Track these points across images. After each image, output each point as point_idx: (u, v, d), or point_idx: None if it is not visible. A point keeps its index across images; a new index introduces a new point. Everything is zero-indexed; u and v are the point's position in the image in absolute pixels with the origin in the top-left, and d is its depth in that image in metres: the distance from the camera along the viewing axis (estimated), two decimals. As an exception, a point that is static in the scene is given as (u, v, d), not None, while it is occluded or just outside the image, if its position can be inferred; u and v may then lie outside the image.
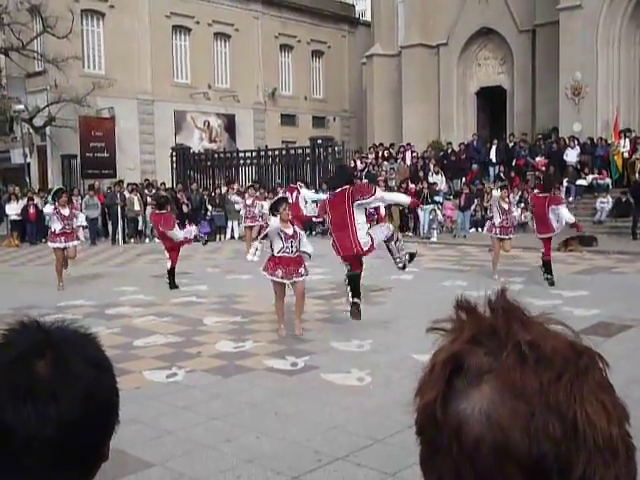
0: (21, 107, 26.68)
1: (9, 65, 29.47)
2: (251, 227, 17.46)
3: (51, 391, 0.99)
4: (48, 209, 13.40)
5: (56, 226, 13.05)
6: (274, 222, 8.65)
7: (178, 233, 12.88)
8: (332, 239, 9.09)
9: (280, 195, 9.81)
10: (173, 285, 12.82)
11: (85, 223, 15.58)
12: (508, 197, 13.56)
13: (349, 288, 8.88)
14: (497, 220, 12.92)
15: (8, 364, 1.01)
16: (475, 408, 0.70)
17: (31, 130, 28.59)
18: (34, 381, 0.99)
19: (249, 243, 17.17)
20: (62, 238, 13.03)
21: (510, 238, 13.07)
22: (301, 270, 8.76)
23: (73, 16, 27.93)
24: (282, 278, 8.64)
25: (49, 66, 27.99)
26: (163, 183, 25.89)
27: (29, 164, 27.49)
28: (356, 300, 8.73)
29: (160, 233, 13.20)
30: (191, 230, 13.49)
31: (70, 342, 1.06)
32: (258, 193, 23.42)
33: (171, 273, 12.90)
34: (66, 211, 13.23)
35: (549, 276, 12.05)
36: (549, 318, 0.77)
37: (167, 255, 12.99)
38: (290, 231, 8.73)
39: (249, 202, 17.70)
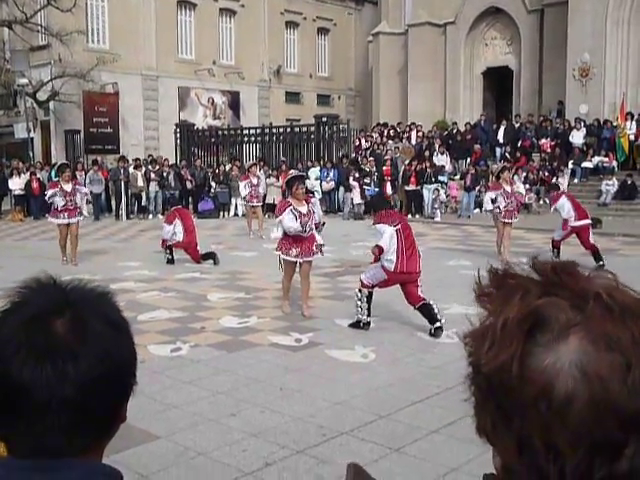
0: (25, 81, 26.55)
1: (13, 38, 29.31)
2: (255, 206, 17.36)
3: (70, 350, 0.97)
4: (50, 192, 13.22)
5: (59, 202, 12.95)
6: (287, 220, 8.45)
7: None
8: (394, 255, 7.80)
9: (295, 173, 9.61)
10: (171, 261, 12.85)
11: (88, 192, 15.41)
12: (512, 178, 13.48)
13: (366, 305, 7.96)
14: (502, 204, 12.83)
15: (25, 322, 0.98)
16: (565, 362, 0.67)
17: (35, 104, 28.48)
18: (52, 339, 0.97)
19: (255, 222, 17.15)
20: (65, 214, 12.93)
21: (512, 222, 12.97)
22: (314, 249, 8.70)
23: (77, -11, 27.69)
24: (296, 257, 8.59)
25: (53, 40, 27.80)
26: (167, 159, 25.78)
27: (32, 139, 27.41)
28: (370, 320, 8.02)
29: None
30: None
31: (88, 301, 1.04)
32: (262, 171, 23.41)
33: (170, 248, 12.91)
34: (69, 187, 13.06)
35: (602, 262, 11.68)
36: (600, 272, 0.74)
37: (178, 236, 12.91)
38: (304, 209, 8.57)
39: (255, 181, 17.57)
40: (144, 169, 23.66)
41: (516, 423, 0.70)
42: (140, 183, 22.87)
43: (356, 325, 7.98)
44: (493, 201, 13.10)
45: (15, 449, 0.98)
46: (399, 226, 7.84)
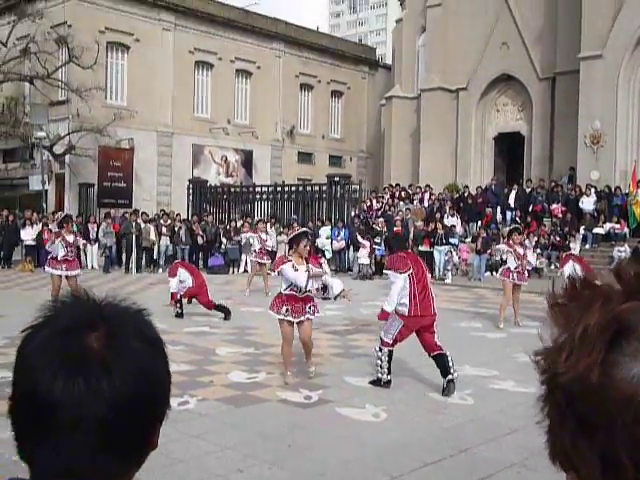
0: (43, 134, 26.99)
1: (33, 93, 29.94)
2: (263, 263, 17.31)
3: (104, 365, 0.91)
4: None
5: (59, 252, 12.85)
6: (287, 270, 7.93)
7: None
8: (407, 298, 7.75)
9: (301, 229, 9.34)
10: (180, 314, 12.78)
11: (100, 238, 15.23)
12: (523, 242, 13.40)
13: (387, 364, 7.80)
14: (512, 265, 12.69)
15: (58, 335, 0.93)
16: None
17: (51, 157, 28.89)
18: (86, 354, 0.91)
19: (255, 278, 17.07)
20: (63, 265, 12.80)
21: (521, 285, 12.81)
22: (308, 309, 8.01)
23: (99, 48, 28.47)
24: (285, 315, 7.93)
25: (72, 95, 28.40)
26: (179, 214, 25.95)
27: (47, 191, 27.70)
28: (390, 378, 7.83)
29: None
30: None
31: (123, 316, 0.99)
32: (273, 228, 23.50)
33: (180, 302, 12.87)
34: (71, 238, 12.99)
35: None
36: None
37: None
38: (302, 270, 7.96)
39: (264, 237, 17.62)
40: (155, 223, 23.81)
41: (600, 438, 0.63)
42: (153, 237, 22.97)
43: (377, 383, 7.85)
44: (502, 260, 13.06)
45: (37, 470, 0.92)
46: (411, 271, 7.76)
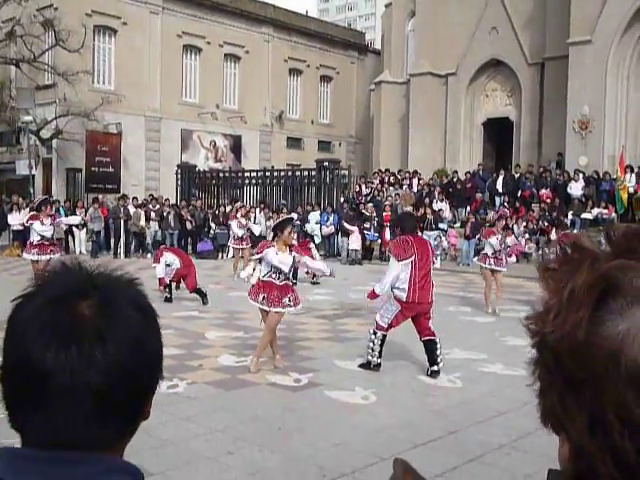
0: (29, 118, 26.71)
1: (19, 76, 29.62)
2: (243, 249, 17.31)
3: (97, 332, 0.90)
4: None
5: (34, 237, 12.74)
6: (271, 255, 7.69)
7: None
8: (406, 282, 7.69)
9: (286, 216, 9.18)
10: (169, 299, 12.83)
11: (77, 222, 15.03)
12: (511, 229, 13.25)
13: (378, 348, 7.79)
14: (489, 251, 12.62)
15: (49, 303, 0.91)
16: None
17: (38, 142, 28.63)
18: (79, 321, 0.90)
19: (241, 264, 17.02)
20: (36, 250, 12.67)
21: (501, 270, 12.63)
22: (285, 300, 7.73)
23: (86, 31, 28.12)
24: (261, 303, 7.75)
25: (59, 79, 28.10)
26: (167, 199, 25.85)
27: (34, 176, 27.49)
28: (380, 361, 7.85)
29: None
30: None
31: (115, 285, 0.98)
32: (262, 213, 23.49)
33: (169, 286, 12.95)
34: (48, 221, 12.86)
35: None
36: None
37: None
38: (285, 257, 7.73)
39: (243, 221, 17.66)
40: (145, 208, 23.72)
41: (587, 396, 0.63)
42: (142, 222, 22.89)
43: (366, 366, 7.83)
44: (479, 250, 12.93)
45: (30, 439, 0.90)
46: (413, 257, 7.65)
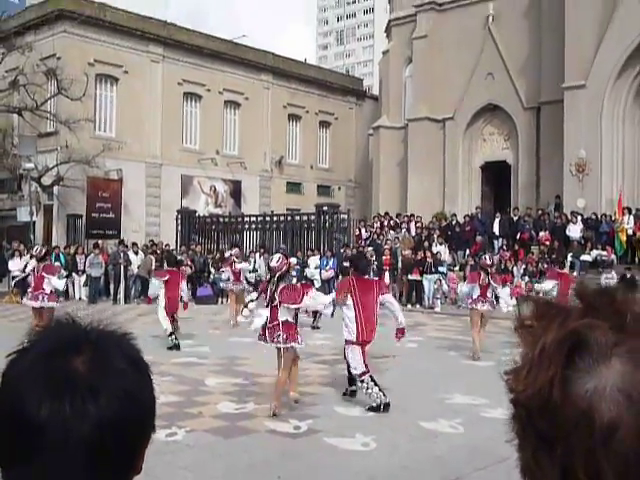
0: (31, 166, 26.96)
1: (22, 124, 29.97)
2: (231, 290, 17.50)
3: (89, 386, 0.91)
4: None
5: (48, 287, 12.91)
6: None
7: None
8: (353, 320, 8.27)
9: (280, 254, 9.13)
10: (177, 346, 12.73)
11: (60, 287, 15.13)
12: (510, 273, 13.14)
13: (376, 389, 8.04)
14: (475, 293, 12.52)
15: (44, 357, 0.93)
16: (607, 386, 0.63)
17: (39, 189, 28.83)
18: (72, 375, 0.92)
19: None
20: (37, 296, 12.89)
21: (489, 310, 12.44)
22: (282, 336, 7.88)
23: (88, 79, 28.56)
24: (265, 340, 8.01)
25: (61, 127, 28.42)
26: (167, 244, 25.93)
27: (34, 222, 27.61)
28: (388, 400, 8.08)
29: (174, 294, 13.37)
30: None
31: (109, 339, 1.00)
32: (262, 258, 23.54)
33: (173, 333, 12.97)
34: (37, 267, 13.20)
35: None
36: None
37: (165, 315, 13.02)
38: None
39: (238, 266, 17.79)
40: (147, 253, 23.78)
41: (559, 453, 0.65)
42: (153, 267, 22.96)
43: (377, 409, 7.95)
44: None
45: None
46: (353, 299, 8.18)
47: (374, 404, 7.95)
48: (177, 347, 12.65)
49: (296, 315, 8.17)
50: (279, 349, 7.96)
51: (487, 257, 13.00)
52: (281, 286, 8.03)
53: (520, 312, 0.78)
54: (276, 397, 7.81)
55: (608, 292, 0.71)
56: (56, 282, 13.59)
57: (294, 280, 17.58)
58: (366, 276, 9.09)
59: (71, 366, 0.92)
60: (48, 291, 12.88)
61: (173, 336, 12.85)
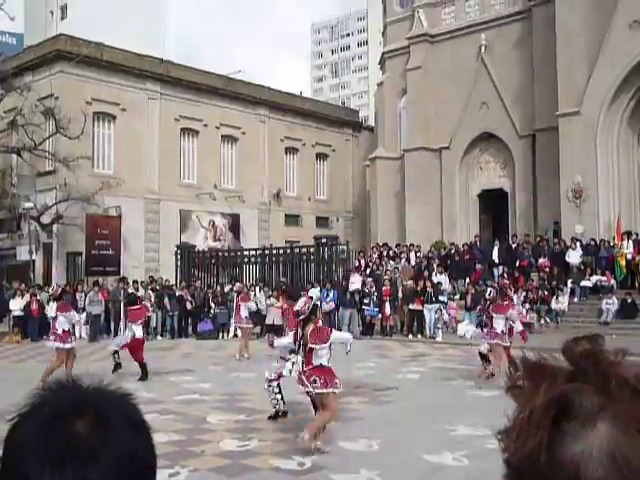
0: (30, 205, 27.06)
1: (20, 164, 30.13)
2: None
3: (91, 451, 0.92)
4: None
5: (64, 326, 13.01)
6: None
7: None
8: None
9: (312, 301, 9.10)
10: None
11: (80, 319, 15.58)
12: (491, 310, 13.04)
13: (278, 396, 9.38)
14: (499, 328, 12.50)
15: (45, 423, 0.95)
16: (593, 449, 0.64)
17: (38, 227, 28.90)
18: (73, 442, 0.93)
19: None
20: (65, 338, 13.01)
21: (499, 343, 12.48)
22: (319, 381, 7.87)
23: (85, 118, 28.78)
24: (303, 384, 8.04)
25: (59, 165, 28.58)
26: (167, 280, 25.92)
27: (34, 261, 27.62)
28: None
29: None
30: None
31: (109, 402, 1.01)
32: (262, 292, 23.53)
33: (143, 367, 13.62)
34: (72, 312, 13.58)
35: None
36: (623, 352, 0.73)
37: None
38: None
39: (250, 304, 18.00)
40: (143, 291, 23.72)
41: None
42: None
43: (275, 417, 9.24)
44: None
45: None
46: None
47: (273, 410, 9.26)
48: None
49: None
50: (314, 394, 7.97)
51: (488, 291, 12.99)
52: (309, 329, 8.11)
53: (510, 373, 0.79)
54: (317, 433, 7.81)
55: (594, 354, 0.73)
56: (74, 316, 13.84)
57: (325, 305, 17.95)
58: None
59: (72, 431, 0.93)
60: (60, 331, 12.93)
61: (117, 355, 13.53)
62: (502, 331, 12.42)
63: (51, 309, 13.42)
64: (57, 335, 12.90)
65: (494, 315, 12.46)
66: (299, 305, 8.48)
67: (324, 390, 7.86)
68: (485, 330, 12.51)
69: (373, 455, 7.59)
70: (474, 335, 12.96)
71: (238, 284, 19.29)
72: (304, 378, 7.97)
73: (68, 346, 12.90)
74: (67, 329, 13.04)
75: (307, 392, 8.10)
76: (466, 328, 13.22)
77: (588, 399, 0.67)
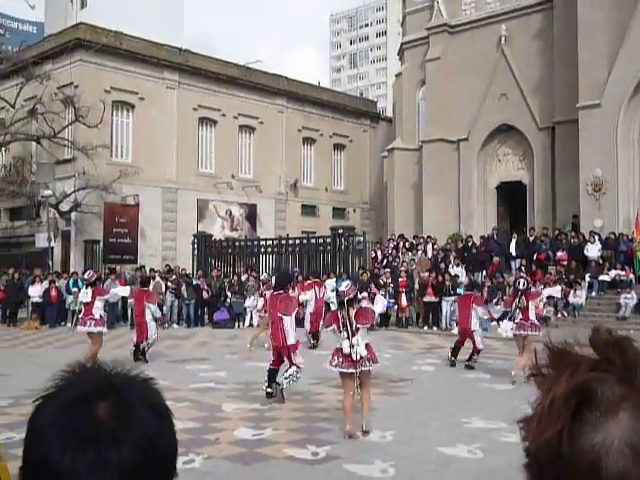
0: (49, 192, 27.27)
1: (40, 152, 30.35)
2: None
3: (113, 435, 0.93)
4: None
5: (100, 312, 13.47)
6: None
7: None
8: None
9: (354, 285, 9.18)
10: (136, 357, 13.93)
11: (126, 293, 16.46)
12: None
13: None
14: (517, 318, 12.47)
15: (68, 406, 0.96)
16: (614, 440, 0.64)
17: (57, 215, 29.12)
18: (95, 424, 0.94)
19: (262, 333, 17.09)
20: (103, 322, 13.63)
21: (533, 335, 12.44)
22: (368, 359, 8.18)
23: (104, 107, 28.94)
24: (346, 367, 8.11)
25: (78, 154, 28.76)
26: (184, 269, 26.05)
27: (52, 248, 27.86)
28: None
29: (138, 309, 14.57)
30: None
31: (132, 386, 1.02)
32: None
33: (137, 347, 14.19)
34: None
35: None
36: None
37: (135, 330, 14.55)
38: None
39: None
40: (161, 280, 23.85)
41: None
42: (162, 292, 23.06)
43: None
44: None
45: None
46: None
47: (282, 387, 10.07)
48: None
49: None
50: (353, 373, 8.12)
51: (521, 282, 12.84)
52: (353, 310, 8.22)
53: (536, 359, 0.79)
54: (366, 415, 8.15)
55: (621, 343, 0.72)
56: (120, 290, 14.52)
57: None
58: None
59: (94, 414, 0.94)
60: (97, 316, 13.18)
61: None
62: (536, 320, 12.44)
63: (86, 294, 13.51)
64: (95, 320, 13.15)
65: (530, 303, 12.41)
66: (343, 287, 8.57)
67: (374, 366, 8.32)
68: (517, 321, 12.38)
69: (387, 446, 7.60)
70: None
71: (265, 274, 19.34)
72: (351, 360, 8.11)
73: (106, 331, 13.69)
74: (102, 315, 13.47)
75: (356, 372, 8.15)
76: (506, 326, 13.17)
77: (610, 389, 0.67)
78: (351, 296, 8.33)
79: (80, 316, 13.69)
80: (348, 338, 8.11)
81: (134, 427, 0.95)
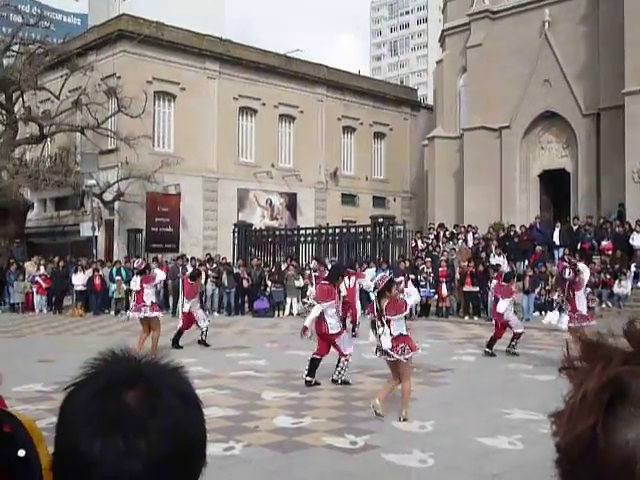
0: (93, 182, 27.72)
1: (84, 142, 30.87)
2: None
3: (141, 423, 0.94)
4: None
5: (151, 298, 13.69)
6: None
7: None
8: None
9: (388, 276, 9.19)
10: (177, 345, 14.36)
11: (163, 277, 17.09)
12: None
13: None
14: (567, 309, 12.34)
15: (98, 393, 0.96)
16: None
17: (100, 204, 29.62)
18: (124, 411, 0.94)
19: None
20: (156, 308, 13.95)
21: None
22: (405, 349, 8.30)
23: (146, 97, 29.27)
24: (388, 355, 8.31)
25: (121, 144, 29.18)
26: (224, 258, 26.26)
27: (96, 237, 28.35)
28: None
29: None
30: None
31: (161, 374, 1.02)
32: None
33: (180, 333, 14.64)
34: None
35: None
36: None
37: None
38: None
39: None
40: (204, 268, 24.06)
41: None
42: (202, 281, 23.24)
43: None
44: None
45: None
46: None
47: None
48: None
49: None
50: (392, 361, 8.33)
51: (566, 272, 12.66)
52: (384, 302, 8.32)
53: (567, 352, 0.77)
54: (404, 404, 8.29)
55: (634, 343, 0.70)
56: (160, 274, 14.83)
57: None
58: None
59: (124, 402, 0.95)
60: (149, 303, 13.40)
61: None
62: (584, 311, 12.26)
63: (135, 283, 13.77)
64: (147, 306, 13.37)
65: (576, 293, 12.24)
66: (377, 279, 8.72)
67: (411, 354, 8.32)
68: (567, 312, 12.24)
69: (426, 436, 7.57)
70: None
71: (315, 262, 19.36)
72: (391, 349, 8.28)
73: (161, 315, 14.07)
74: (154, 301, 13.71)
75: (389, 361, 8.41)
76: (551, 317, 13.15)
77: None
78: (380, 288, 8.41)
79: (133, 304, 13.95)
80: (380, 327, 8.27)
81: (163, 415, 0.95)
